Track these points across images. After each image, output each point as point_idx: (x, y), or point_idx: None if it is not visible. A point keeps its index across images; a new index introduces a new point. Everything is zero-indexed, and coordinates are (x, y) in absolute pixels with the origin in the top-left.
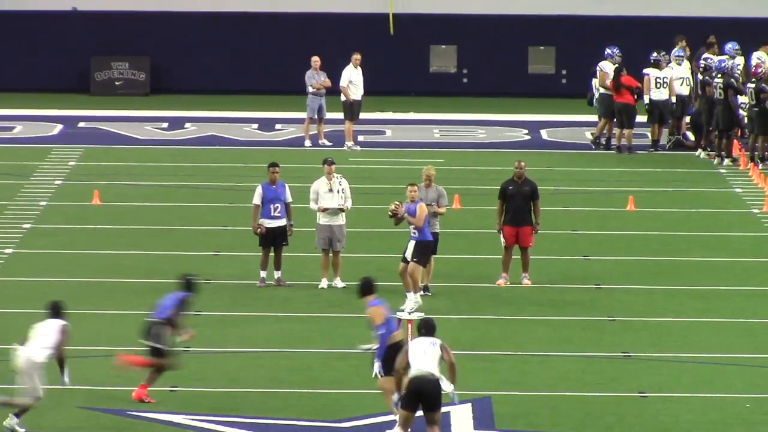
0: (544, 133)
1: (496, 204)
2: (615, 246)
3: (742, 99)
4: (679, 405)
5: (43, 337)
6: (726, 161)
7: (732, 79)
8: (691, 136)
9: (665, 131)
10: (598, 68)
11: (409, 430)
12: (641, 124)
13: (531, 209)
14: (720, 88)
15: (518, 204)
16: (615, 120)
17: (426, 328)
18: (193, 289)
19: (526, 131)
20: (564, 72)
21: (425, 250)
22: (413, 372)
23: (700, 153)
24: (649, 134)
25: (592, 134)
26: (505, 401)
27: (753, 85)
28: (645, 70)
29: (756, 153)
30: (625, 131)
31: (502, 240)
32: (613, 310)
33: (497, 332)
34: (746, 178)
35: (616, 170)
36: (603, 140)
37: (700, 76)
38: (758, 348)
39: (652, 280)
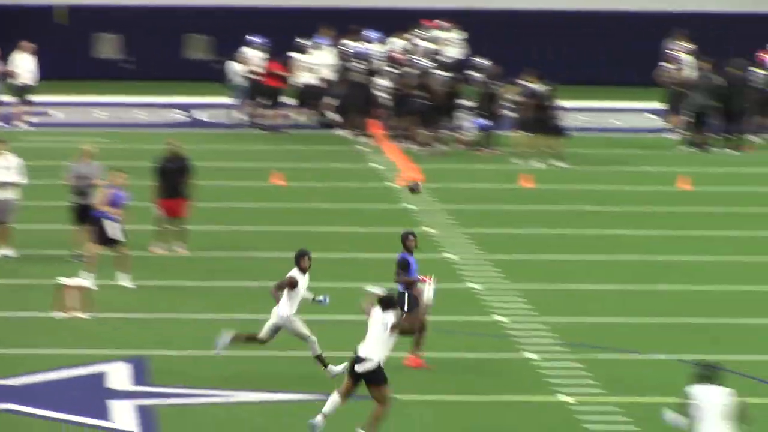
0: (199, 114)
1: (153, 179)
2: (265, 218)
3: (381, 82)
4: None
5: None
6: (365, 138)
7: (371, 64)
8: (334, 116)
9: (311, 112)
10: (242, 54)
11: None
12: (289, 106)
13: (185, 183)
14: (360, 72)
15: (173, 179)
16: (263, 101)
17: (385, 302)
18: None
19: (183, 112)
20: (218, 58)
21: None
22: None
23: (342, 131)
24: (295, 115)
25: (248, 117)
26: (162, 360)
27: (393, 70)
28: (291, 54)
29: (394, 132)
30: (272, 112)
31: (159, 212)
32: (261, 275)
33: (151, 297)
34: (382, 155)
35: (264, 148)
36: (254, 120)
37: (342, 62)
38: None
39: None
